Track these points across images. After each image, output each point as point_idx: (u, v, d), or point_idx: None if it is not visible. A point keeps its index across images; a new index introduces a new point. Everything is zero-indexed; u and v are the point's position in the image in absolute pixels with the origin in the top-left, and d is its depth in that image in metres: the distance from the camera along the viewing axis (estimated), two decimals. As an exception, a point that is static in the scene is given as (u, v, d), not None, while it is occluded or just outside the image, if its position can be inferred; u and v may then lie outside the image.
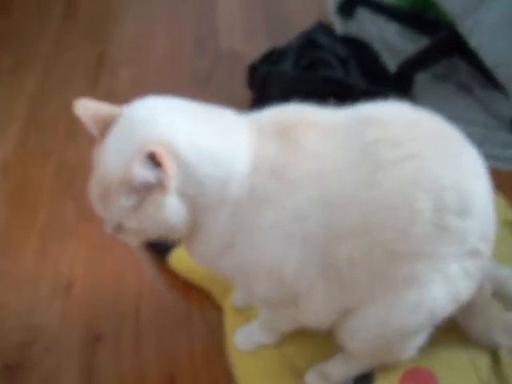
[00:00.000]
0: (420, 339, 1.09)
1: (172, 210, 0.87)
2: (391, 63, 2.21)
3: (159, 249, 1.49)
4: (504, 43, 1.86)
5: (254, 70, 1.93)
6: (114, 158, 0.87)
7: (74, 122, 0.92)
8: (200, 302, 1.44)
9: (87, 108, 0.91)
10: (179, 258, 1.45)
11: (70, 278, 1.50)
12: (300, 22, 2.34)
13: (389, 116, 0.96)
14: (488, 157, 1.93)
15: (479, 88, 2.31)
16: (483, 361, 1.20)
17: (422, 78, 2.23)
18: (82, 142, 1.84)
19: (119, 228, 0.92)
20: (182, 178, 0.86)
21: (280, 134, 0.93)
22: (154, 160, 0.81)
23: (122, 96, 2.06)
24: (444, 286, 0.95)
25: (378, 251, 0.91)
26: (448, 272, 0.95)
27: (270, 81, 1.79)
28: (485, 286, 1.13)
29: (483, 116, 2.19)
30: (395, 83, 1.99)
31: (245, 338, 1.26)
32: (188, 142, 0.87)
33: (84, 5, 2.60)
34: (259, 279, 1.00)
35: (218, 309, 1.39)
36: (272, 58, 1.95)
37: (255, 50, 2.09)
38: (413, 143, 0.92)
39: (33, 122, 1.99)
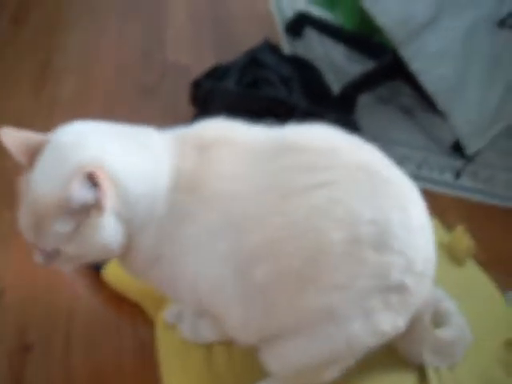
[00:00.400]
0: (344, 365, 1.06)
1: (109, 231, 0.87)
2: (336, 84, 2.25)
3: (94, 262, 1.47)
4: (442, 71, 1.92)
5: (197, 85, 1.92)
6: (47, 183, 0.85)
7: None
8: (132, 317, 1.42)
9: (12, 137, 0.89)
10: (113, 272, 1.42)
11: (2, 285, 1.46)
12: (248, 39, 2.36)
13: (309, 142, 0.93)
14: (426, 180, 2.02)
15: (421, 112, 2.38)
16: (411, 379, 1.21)
17: (365, 100, 2.28)
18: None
19: (54, 255, 0.90)
20: (117, 200, 0.86)
21: (200, 150, 0.93)
22: (91, 181, 0.81)
23: (65, 104, 2.03)
24: (363, 321, 0.93)
25: (289, 278, 0.90)
26: (368, 306, 0.92)
27: (213, 97, 1.79)
28: (424, 316, 1.12)
29: (423, 139, 2.25)
30: (338, 104, 2.02)
31: (189, 329, 1.23)
32: (120, 164, 0.87)
33: (34, 11, 2.55)
34: (182, 292, 1.00)
35: (149, 324, 1.36)
36: (216, 74, 1.95)
37: (201, 65, 2.09)
38: (328, 172, 0.90)
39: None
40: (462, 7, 1.87)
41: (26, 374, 1.31)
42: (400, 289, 0.94)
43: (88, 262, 0.95)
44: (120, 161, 0.88)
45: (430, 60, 1.92)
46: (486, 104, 1.95)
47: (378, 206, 0.90)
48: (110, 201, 0.84)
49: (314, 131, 0.98)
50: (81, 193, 0.82)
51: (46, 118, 1.87)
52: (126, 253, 0.95)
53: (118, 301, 1.44)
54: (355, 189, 0.90)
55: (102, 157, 0.86)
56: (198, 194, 0.91)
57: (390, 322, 0.96)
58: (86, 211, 0.84)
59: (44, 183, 0.86)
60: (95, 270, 1.47)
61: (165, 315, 1.30)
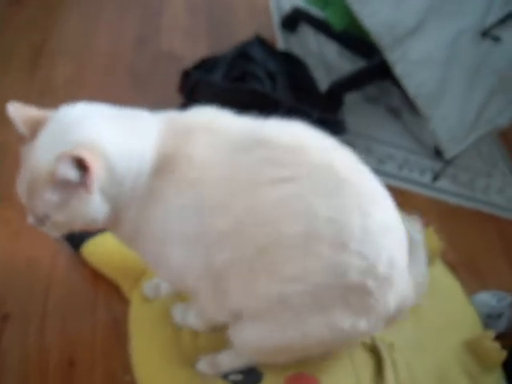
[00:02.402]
0: (305, 354, 1.12)
1: (95, 207, 0.94)
2: (327, 82, 2.27)
3: (73, 241, 1.51)
4: (425, 77, 1.97)
5: (186, 75, 1.95)
6: (44, 154, 0.92)
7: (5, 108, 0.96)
8: (107, 293, 1.47)
9: (19, 110, 0.97)
10: (92, 250, 1.48)
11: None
12: (244, 32, 2.39)
13: (281, 139, 0.98)
14: (405, 180, 2.06)
15: (407, 114, 2.41)
16: (365, 365, 1.26)
17: (352, 98, 2.31)
18: (9, 129, 1.80)
19: (43, 220, 0.97)
20: (106, 179, 0.93)
21: (182, 135, 0.99)
22: (81, 163, 0.88)
23: (58, 86, 2.04)
24: (319, 314, 0.98)
25: (243, 265, 0.96)
26: (324, 301, 0.97)
27: (199, 88, 1.83)
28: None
29: (407, 140, 2.29)
30: (324, 101, 2.05)
31: (180, 314, 1.30)
32: (112, 146, 0.93)
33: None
34: (158, 268, 1.10)
35: (124, 302, 1.42)
36: (205, 65, 1.98)
37: (195, 55, 2.12)
38: (294, 168, 0.95)
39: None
40: (448, 16, 1.91)
41: (2, 342, 1.34)
42: (361, 290, 0.97)
43: (74, 230, 1.02)
44: (112, 143, 0.94)
45: (414, 65, 1.96)
46: (466, 111, 1.99)
47: (338, 206, 0.94)
48: (96, 184, 0.91)
49: (288, 129, 1.03)
50: (66, 171, 0.88)
51: (39, 99, 1.89)
52: (115, 224, 1.02)
53: (97, 277, 1.49)
54: (317, 187, 0.94)
55: (96, 138, 0.93)
56: (172, 177, 0.97)
57: (348, 321, 0.99)
58: (74, 187, 0.91)
59: (41, 154, 0.93)
60: (75, 247, 1.51)
61: (144, 288, 1.37)
